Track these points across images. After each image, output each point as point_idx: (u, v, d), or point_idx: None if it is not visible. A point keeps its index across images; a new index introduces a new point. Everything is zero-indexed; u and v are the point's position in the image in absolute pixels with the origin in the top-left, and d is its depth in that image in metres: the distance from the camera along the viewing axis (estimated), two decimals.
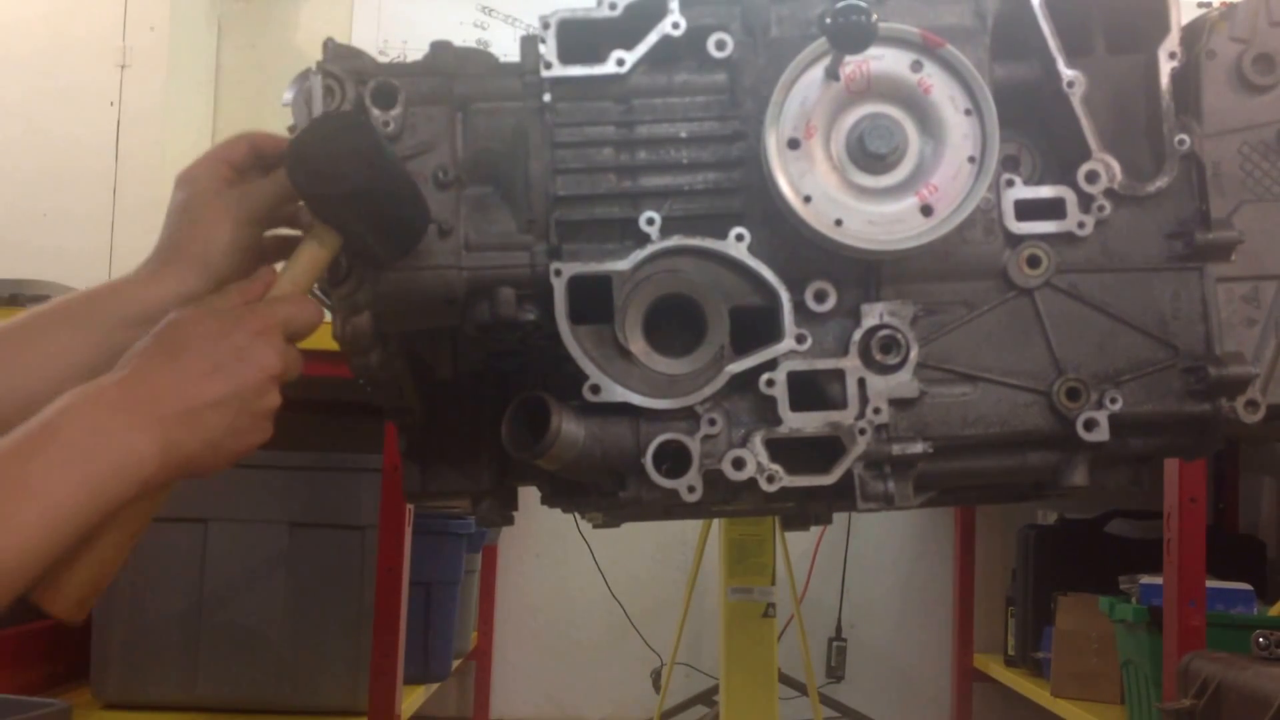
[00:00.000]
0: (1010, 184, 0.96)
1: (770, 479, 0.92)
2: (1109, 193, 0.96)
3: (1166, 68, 0.98)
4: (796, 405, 0.93)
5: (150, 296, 0.95)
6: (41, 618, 2.44)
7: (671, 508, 0.96)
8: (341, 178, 0.86)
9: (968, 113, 0.92)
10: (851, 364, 0.93)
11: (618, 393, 0.92)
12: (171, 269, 0.96)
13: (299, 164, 0.86)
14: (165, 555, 2.27)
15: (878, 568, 3.62)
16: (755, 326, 0.94)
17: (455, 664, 2.93)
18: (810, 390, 0.94)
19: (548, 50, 0.95)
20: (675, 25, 0.95)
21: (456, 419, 1.05)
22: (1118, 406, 0.94)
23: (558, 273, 0.92)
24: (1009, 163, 0.98)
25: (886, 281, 0.95)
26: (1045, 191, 0.96)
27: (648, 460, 0.91)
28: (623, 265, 0.93)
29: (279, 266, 0.93)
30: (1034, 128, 0.99)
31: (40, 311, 0.97)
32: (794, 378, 0.93)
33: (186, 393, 0.82)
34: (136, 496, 0.80)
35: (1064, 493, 0.99)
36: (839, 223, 0.91)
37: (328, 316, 0.93)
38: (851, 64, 0.92)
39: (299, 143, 0.87)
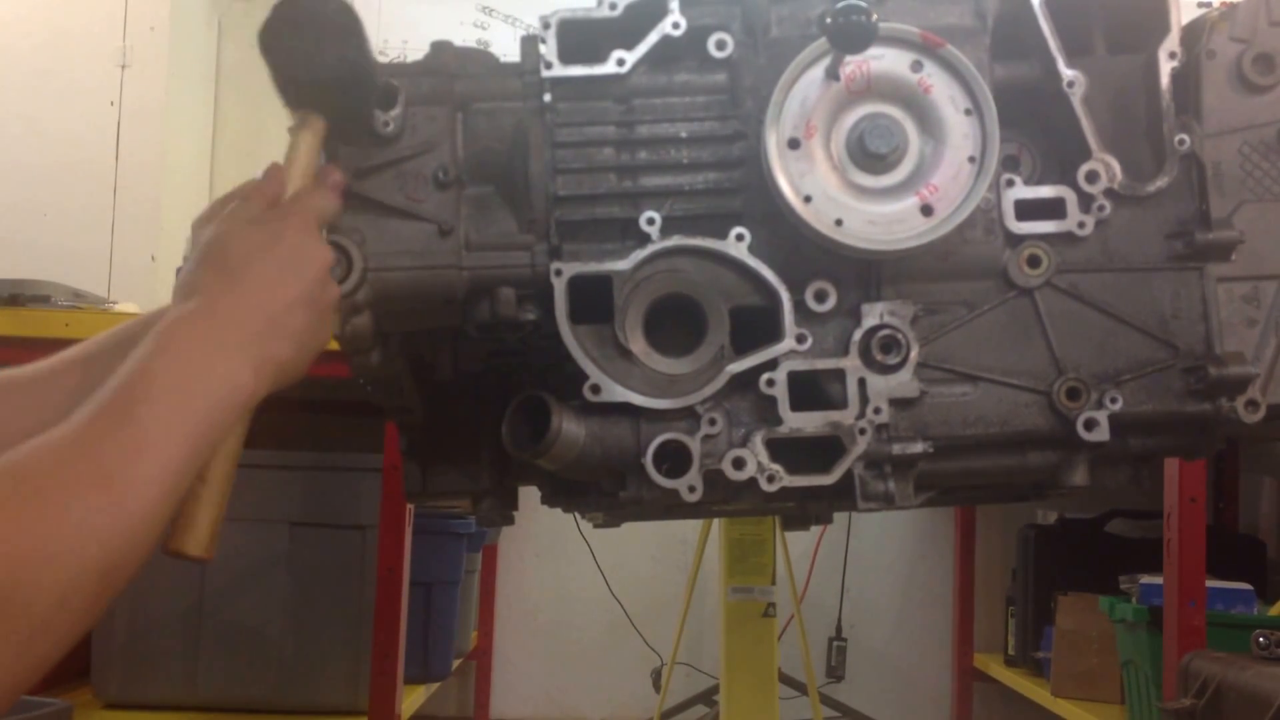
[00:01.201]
0: (1010, 184, 0.96)
1: (770, 479, 0.92)
2: (1109, 193, 0.96)
3: (1166, 68, 0.98)
4: (797, 405, 0.93)
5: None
6: None
7: (671, 508, 0.96)
8: (321, 61, 0.86)
9: (968, 113, 0.92)
10: (852, 364, 0.93)
11: (618, 392, 0.92)
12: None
13: (275, 47, 0.86)
14: (165, 554, 2.27)
15: (878, 568, 3.62)
16: (755, 326, 0.94)
17: (455, 664, 2.93)
18: (810, 390, 0.94)
19: (548, 50, 0.95)
20: (675, 25, 0.95)
21: (456, 419, 1.05)
22: (1118, 406, 0.94)
23: (558, 272, 0.92)
24: (1009, 163, 0.98)
25: (887, 281, 0.95)
26: (1045, 191, 0.96)
27: (648, 460, 0.91)
28: (623, 265, 0.93)
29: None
30: (1034, 128, 0.99)
31: (99, 340, 0.96)
32: (794, 378, 0.93)
33: (266, 307, 0.82)
34: (240, 420, 0.80)
35: (1064, 493, 0.99)
36: (839, 222, 0.91)
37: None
38: (851, 64, 0.92)
39: (273, 27, 0.86)
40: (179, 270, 0.85)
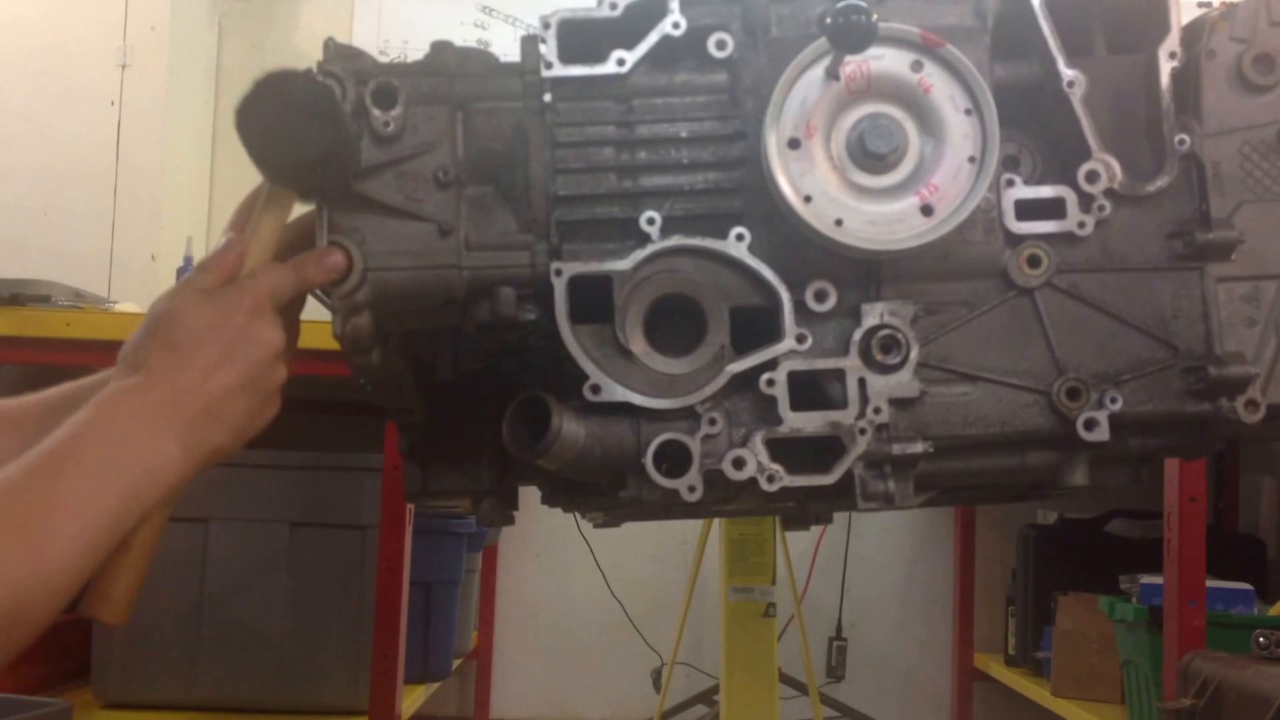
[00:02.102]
0: (1010, 184, 0.96)
1: (770, 479, 0.92)
2: (1109, 192, 0.96)
3: (1166, 68, 0.98)
4: (797, 405, 0.93)
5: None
6: None
7: (672, 507, 0.96)
8: (296, 142, 0.86)
9: (968, 112, 0.92)
10: (852, 364, 0.93)
11: (618, 392, 0.92)
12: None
13: (251, 126, 0.86)
14: (165, 555, 2.23)
15: (878, 568, 3.62)
16: (755, 326, 0.94)
17: (455, 664, 2.93)
18: (810, 390, 0.94)
19: (548, 50, 0.95)
20: (675, 25, 0.95)
21: (457, 419, 1.05)
22: (1118, 406, 0.94)
23: (558, 272, 0.92)
24: (1009, 163, 0.98)
25: (887, 281, 0.95)
26: (1045, 191, 0.96)
27: (648, 460, 0.91)
28: (623, 265, 0.93)
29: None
30: (1034, 128, 0.99)
31: (63, 390, 0.97)
32: (794, 377, 0.93)
33: (206, 389, 0.83)
34: (167, 497, 0.82)
35: (1064, 493, 0.99)
36: (839, 222, 0.91)
37: (327, 315, 0.93)
38: (851, 64, 0.92)
39: (250, 104, 0.86)
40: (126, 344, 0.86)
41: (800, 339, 0.93)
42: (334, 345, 0.92)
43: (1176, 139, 0.97)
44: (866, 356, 0.94)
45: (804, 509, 1.11)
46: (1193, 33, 1.00)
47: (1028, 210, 0.96)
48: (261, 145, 0.87)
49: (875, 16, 0.88)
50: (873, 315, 0.94)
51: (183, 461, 0.81)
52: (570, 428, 0.91)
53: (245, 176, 0.92)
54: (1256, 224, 0.97)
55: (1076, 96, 0.96)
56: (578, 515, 1.18)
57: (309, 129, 0.86)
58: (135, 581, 0.83)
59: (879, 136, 0.91)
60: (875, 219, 0.91)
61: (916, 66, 0.93)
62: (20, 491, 0.75)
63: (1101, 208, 0.96)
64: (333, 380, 1.53)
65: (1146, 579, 2.35)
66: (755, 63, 0.95)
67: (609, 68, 0.95)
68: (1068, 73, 0.96)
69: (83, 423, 0.79)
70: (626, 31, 0.96)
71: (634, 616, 3.51)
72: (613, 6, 0.96)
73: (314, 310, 0.95)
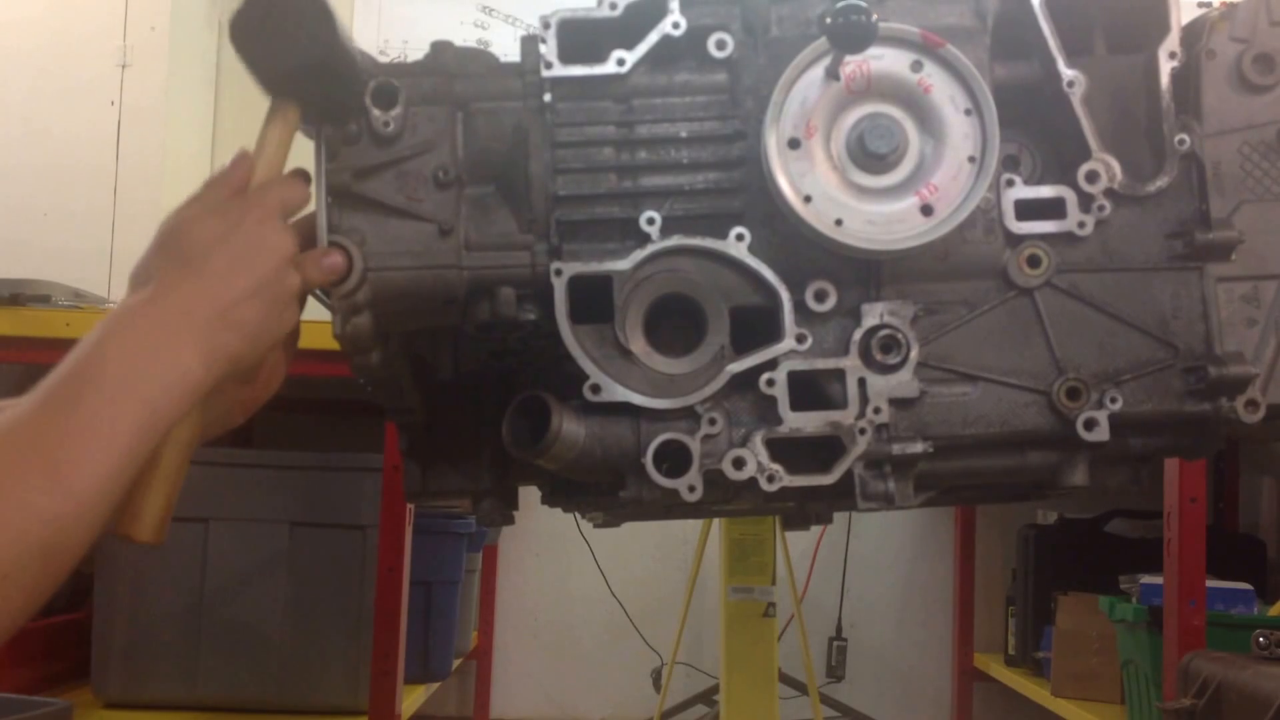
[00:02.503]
0: (1010, 184, 0.96)
1: (770, 478, 0.92)
2: (1109, 192, 0.96)
3: (1166, 68, 0.98)
4: (797, 405, 0.93)
5: None
6: (41, 617, 2.44)
7: (672, 507, 0.96)
8: (288, 51, 0.86)
9: (968, 112, 0.92)
10: (852, 364, 0.93)
11: (618, 392, 0.92)
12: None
13: (244, 38, 0.86)
14: (166, 554, 2.27)
15: (878, 568, 3.62)
16: (755, 326, 0.94)
17: (455, 664, 2.93)
18: (810, 390, 0.94)
19: (548, 50, 0.95)
20: (675, 25, 0.95)
21: (457, 419, 1.05)
22: (1118, 406, 0.94)
23: (558, 272, 0.92)
24: (1009, 163, 0.98)
25: (887, 281, 0.95)
26: (1045, 191, 0.96)
27: (648, 460, 0.91)
28: (623, 265, 0.93)
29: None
30: (1034, 128, 0.99)
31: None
32: (794, 377, 0.93)
33: (217, 296, 0.82)
34: (189, 409, 0.80)
35: (1064, 493, 0.99)
36: (839, 222, 0.91)
37: (327, 315, 0.93)
38: (851, 64, 0.92)
39: (242, 16, 0.86)
40: None
41: (800, 339, 0.93)
42: (334, 345, 0.92)
43: (1176, 139, 0.97)
44: (866, 356, 0.94)
45: (804, 509, 1.11)
46: (1193, 33, 1.00)
47: (1028, 210, 0.96)
48: (255, 52, 0.87)
49: (875, 16, 0.88)
50: (873, 315, 0.94)
51: (201, 370, 0.80)
52: (570, 428, 0.91)
53: None
54: (1256, 224, 0.97)
55: (1076, 96, 0.96)
56: (578, 515, 1.18)
57: (301, 34, 0.86)
58: (168, 500, 0.81)
59: (879, 136, 0.91)
60: (875, 219, 0.91)
61: (916, 66, 0.93)
62: (41, 422, 0.74)
63: (1101, 208, 0.96)
64: (333, 380, 1.53)
65: (1146, 579, 2.35)
66: (755, 63, 0.95)
67: (609, 68, 0.95)
68: (1068, 73, 0.96)
69: (95, 344, 0.78)
70: (626, 31, 0.96)
71: (634, 616, 3.51)
72: (613, 6, 0.96)
73: (314, 310, 0.95)
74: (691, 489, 0.91)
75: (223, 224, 0.84)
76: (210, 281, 0.82)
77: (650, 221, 0.93)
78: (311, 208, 0.93)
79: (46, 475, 0.72)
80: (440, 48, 0.98)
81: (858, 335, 0.94)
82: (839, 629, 3.52)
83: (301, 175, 0.91)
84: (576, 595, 3.58)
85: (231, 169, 0.89)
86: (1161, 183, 0.97)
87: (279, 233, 0.87)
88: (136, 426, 0.76)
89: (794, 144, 0.92)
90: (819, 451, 0.93)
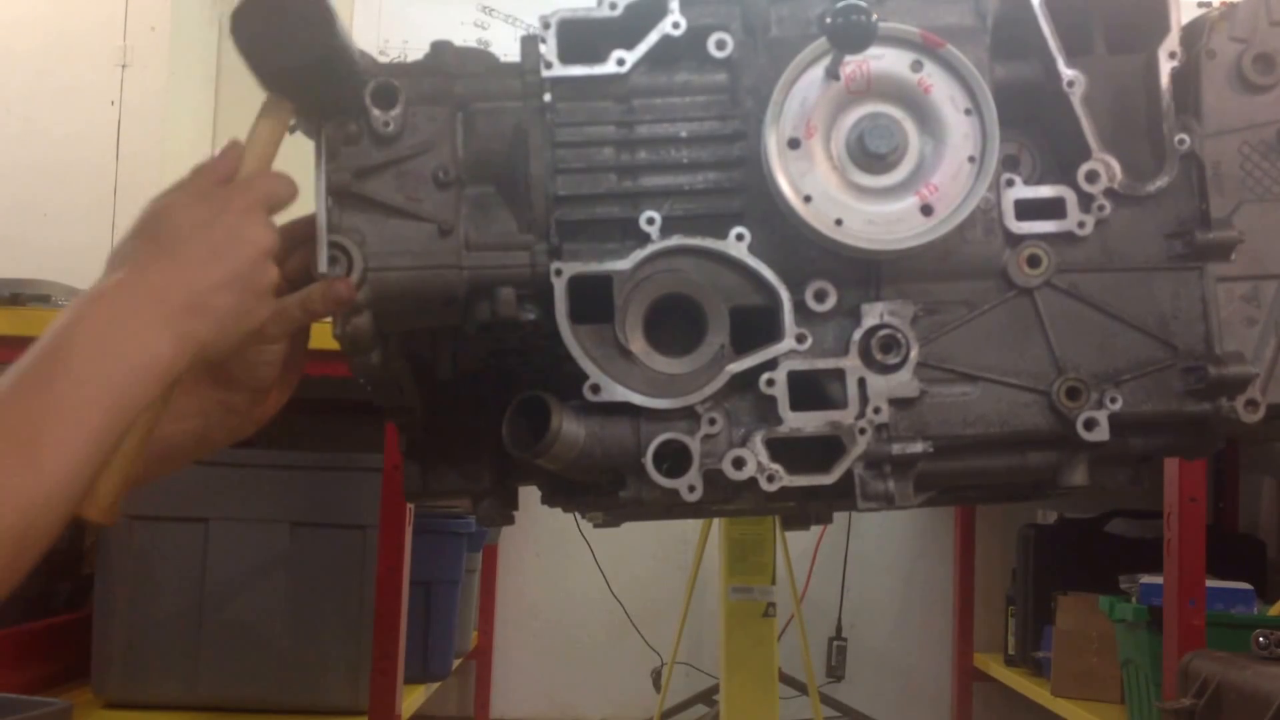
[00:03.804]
0: (1010, 184, 0.96)
1: (770, 478, 0.92)
2: (1109, 192, 0.96)
3: (1166, 67, 0.98)
4: (797, 405, 0.93)
5: None
6: (41, 617, 2.44)
7: (671, 507, 0.96)
8: (288, 48, 0.86)
9: (968, 112, 0.92)
10: (852, 363, 0.93)
11: (618, 392, 0.92)
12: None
13: (245, 33, 0.86)
14: (166, 554, 2.27)
15: (878, 568, 3.62)
16: (755, 326, 0.94)
17: (455, 664, 2.93)
18: (810, 390, 0.94)
19: (548, 50, 0.95)
20: (675, 25, 0.95)
21: (456, 419, 1.05)
22: (1118, 406, 0.94)
23: (558, 272, 0.92)
24: (1009, 162, 0.98)
25: (887, 281, 0.95)
26: (1045, 191, 0.96)
27: (648, 460, 0.91)
28: (623, 265, 0.93)
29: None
30: (1034, 127, 0.99)
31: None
32: (794, 377, 0.93)
33: (190, 282, 0.82)
34: (159, 392, 0.80)
35: (1064, 493, 0.99)
36: (839, 222, 0.91)
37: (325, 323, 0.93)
38: (851, 64, 0.92)
39: (244, 11, 0.86)
40: None
41: (800, 339, 0.93)
42: (334, 345, 0.92)
43: (1176, 139, 0.97)
44: (866, 356, 0.94)
45: (804, 509, 1.11)
46: (1193, 32, 1.00)
47: (1028, 210, 0.96)
48: (255, 48, 0.87)
49: (875, 16, 0.88)
50: (873, 315, 0.94)
51: (173, 353, 0.79)
52: (570, 428, 0.91)
53: None
54: (1256, 224, 0.97)
55: (1076, 96, 0.96)
56: (578, 515, 1.18)
57: (302, 32, 0.86)
58: (122, 480, 0.80)
59: (879, 136, 0.91)
60: (875, 219, 0.91)
61: (916, 66, 0.93)
62: (13, 404, 0.73)
63: (1101, 207, 0.96)
64: (333, 380, 1.53)
65: (1146, 579, 2.35)
66: (755, 63, 0.95)
67: (609, 68, 0.95)
68: (1068, 73, 0.96)
69: (66, 325, 0.77)
70: (626, 31, 0.96)
71: (634, 616, 3.51)
72: (613, 6, 0.96)
73: None
74: (691, 489, 0.91)
75: (205, 211, 0.84)
76: (185, 267, 0.82)
77: (650, 221, 0.93)
78: (310, 211, 0.93)
79: (19, 457, 0.71)
80: (440, 48, 0.98)
81: (858, 335, 0.94)
82: (839, 629, 3.52)
83: (287, 176, 0.91)
84: (576, 595, 3.58)
85: (220, 158, 0.89)
86: (1161, 183, 0.97)
87: (260, 225, 0.86)
88: (106, 408, 0.76)
89: (794, 144, 0.92)
90: (819, 451, 0.93)
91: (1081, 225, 0.96)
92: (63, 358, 0.76)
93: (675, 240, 0.93)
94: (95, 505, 0.80)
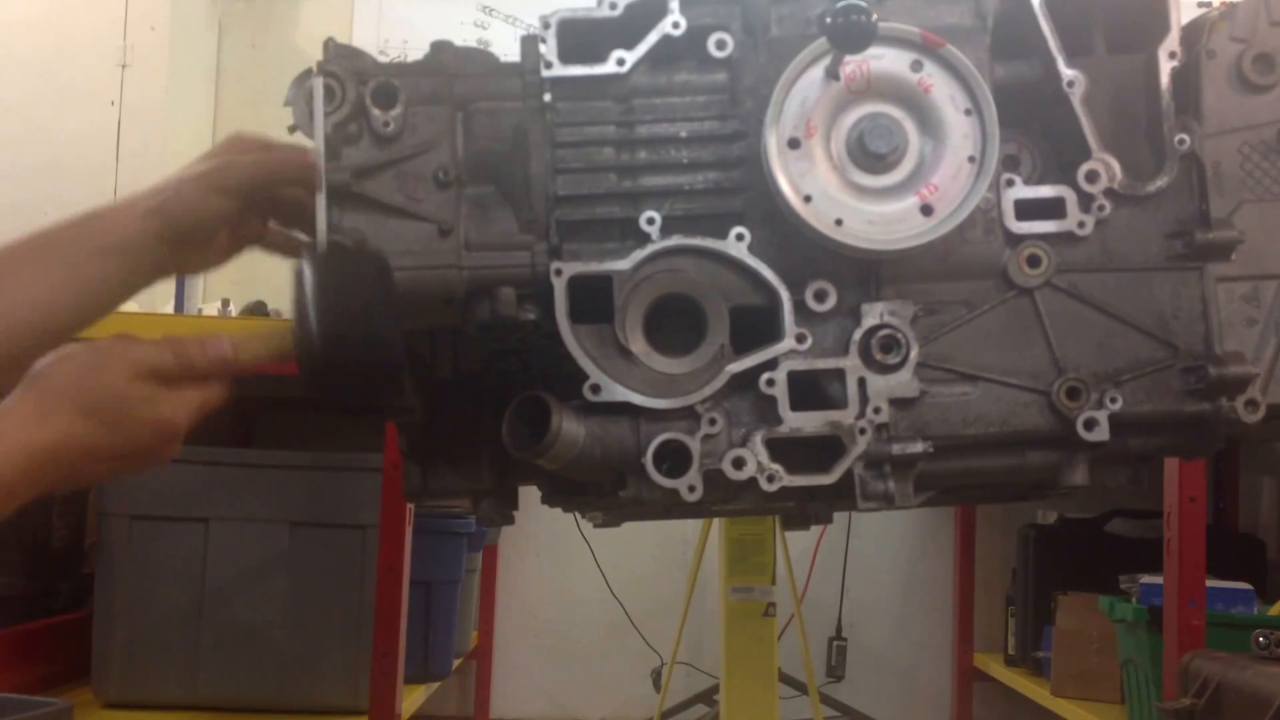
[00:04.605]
0: (1010, 184, 0.96)
1: (770, 478, 0.92)
2: (1109, 192, 0.96)
3: (1166, 67, 0.98)
4: (797, 405, 0.93)
5: (123, 225, 0.98)
6: (41, 617, 2.44)
7: (671, 507, 0.96)
8: (353, 390, 0.89)
9: (968, 112, 0.92)
10: (852, 363, 0.93)
11: (618, 392, 0.92)
12: (148, 203, 0.98)
13: (313, 375, 0.87)
14: (166, 554, 2.27)
15: (878, 568, 3.62)
16: (755, 326, 0.94)
17: (455, 663, 2.93)
18: (810, 390, 0.94)
19: (548, 50, 0.95)
20: (675, 25, 0.95)
21: (457, 419, 1.05)
22: (1118, 406, 0.94)
23: (558, 272, 0.92)
24: (1009, 162, 0.98)
25: (886, 281, 0.95)
26: (1045, 191, 0.96)
27: (648, 460, 0.91)
28: (623, 265, 0.93)
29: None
30: (1034, 127, 0.99)
31: (11, 244, 0.99)
32: (794, 377, 0.93)
33: (93, 447, 0.86)
34: (37, 478, 0.85)
35: (1064, 492, 0.99)
36: (839, 222, 0.91)
37: None
38: (851, 64, 0.92)
39: (310, 354, 0.86)
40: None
41: (800, 339, 0.93)
42: None
43: (1176, 139, 0.97)
44: (866, 356, 0.94)
45: (804, 509, 1.11)
46: (1193, 32, 1.00)
47: (1027, 210, 0.96)
48: (324, 380, 0.88)
49: (875, 16, 0.88)
50: (873, 315, 0.94)
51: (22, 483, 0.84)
52: (570, 428, 0.91)
53: None
54: (1256, 224, 0.97)
55: (1076, 96, 0.96)
56: (578, 515, 1.18)
57: (356, 380, 0.88)
58: None
59: (879, 136, 0.92)
60: (875, 219, 0.91)
61: (916, 66, 0.93)
62: None
63: (1101, 207, 0.96)
64: None
65: (1146, 579, 2.35)
66: (755, 62, 0.95)
67: (609, 68, 0.95)
68: (1068, 73, 0.96)
69: None
70: (626, 31, 0.96)
71: (634, 616, 3.51)
72: (613, 6, 0.96)
73: None
74: (691, 489, 0.91)
75: (145, 401, 0.87)
76: (98, 439, 0.86)
77: (650, 221, 0.93)
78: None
79: None
80: (440, 48, 0.98)
81: (858, 335, 0.94)
82: (839, 629, 3.52)
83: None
84: (576, 595, 3.58)
85: (198, 346, 0.90)
86: (1161, 183, 0.97)
87: (172, 451, 0.90)
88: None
89: (794, 144, 0.92)
90: (819, 451, 0.93)
91: (1081, 225, 0.96)
92: None
93: (675, 240, 0.93)
94: None
